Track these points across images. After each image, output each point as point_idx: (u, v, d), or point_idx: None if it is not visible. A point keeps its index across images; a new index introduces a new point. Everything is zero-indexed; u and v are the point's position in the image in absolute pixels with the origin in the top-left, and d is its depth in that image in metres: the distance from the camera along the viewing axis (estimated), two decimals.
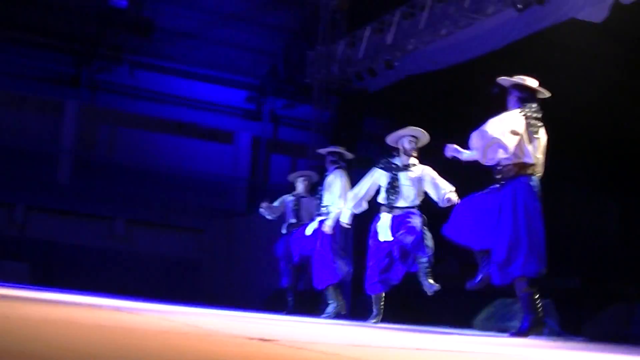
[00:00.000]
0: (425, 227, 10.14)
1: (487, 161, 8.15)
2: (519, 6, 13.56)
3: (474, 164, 8.30)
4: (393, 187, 10.37)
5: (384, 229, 10.32)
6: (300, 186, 13.25)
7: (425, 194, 10.46)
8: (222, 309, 11.85)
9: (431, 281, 9.91)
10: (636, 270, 14.70)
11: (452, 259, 16.97)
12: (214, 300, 17.45)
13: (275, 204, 13.47)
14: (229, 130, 24.80)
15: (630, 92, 15.12)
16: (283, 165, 24.16)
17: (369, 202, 11.00)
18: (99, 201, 22.13)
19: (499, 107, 8.66)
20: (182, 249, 22.45)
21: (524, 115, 8.20)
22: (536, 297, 8.07)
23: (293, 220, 13.05)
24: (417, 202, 10.45)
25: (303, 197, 13.13)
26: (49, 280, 19.32)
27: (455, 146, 8.30)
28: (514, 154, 8.12)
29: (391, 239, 10.27)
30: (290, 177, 13.60)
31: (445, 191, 10.21)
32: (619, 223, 18.77)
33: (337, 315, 11.49)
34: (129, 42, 22.69)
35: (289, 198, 13.36)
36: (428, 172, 10.44)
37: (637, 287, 14.17)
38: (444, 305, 12.39)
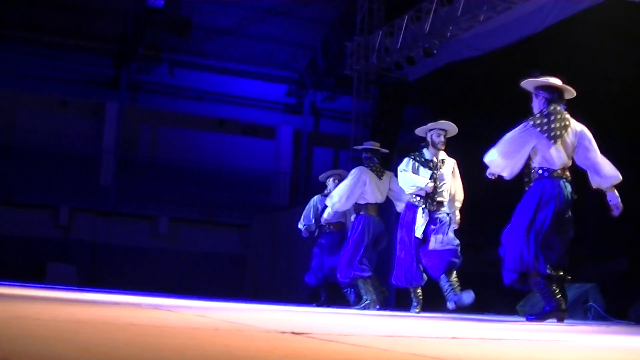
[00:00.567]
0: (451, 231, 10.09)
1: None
2: None
3: None
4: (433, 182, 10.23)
5: (420, 225, 10.17)
6: (332, 185, 13.11)
7: None
8: (266, 304, 11.79)
9: (456, 293, 9.81)
10: None
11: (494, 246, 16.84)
12: (259, 295, 17.44)
13: (309, 215, 13.43)
14: (270, 125, 24.80)
15: None
16: (325, 158, 24.12)
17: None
18: (142, 201, 22.23)
19: (529, 95, 8.53)
20: (226, 245, 22.46)
21: (535, 125, 8.00)
22: (551, 287, 7.91)
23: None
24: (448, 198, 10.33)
25: None
26: (95, 281, 19.47)
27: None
28: (537, 161, 8.07)
29: (421, 236, 10.16)
30: (321, 177, 13.48)
31: (453, 208, 10.24)
32: None
33: (372, 308, 11.35)
34: (167, 41, 22.77)
35: (317, 199, 13.33)
36: (455, 168, 10.37)
37: None
38: (487, 293, 12.21)
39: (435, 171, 10.21)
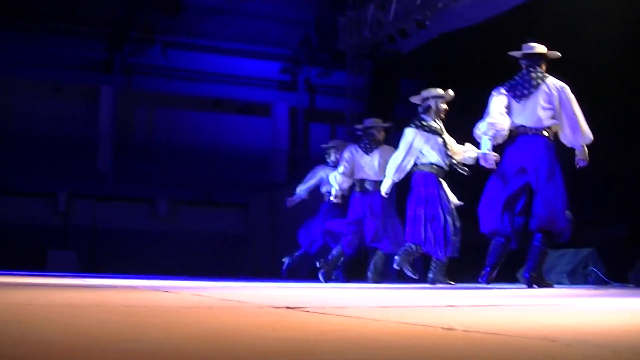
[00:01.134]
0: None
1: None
2: None
3: None
4: (447, 149, 10.22)
5: (450, 194, 10.26)
6: (334, 156, 13.21)
7: None
8: (267, 282, 11.79)
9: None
10: None
11: None
12: (261, 274, 17.44)
13: (312, 182, 13.53)
14: (265, 103, 24.72)
15: None
16: (322, 134, 24.00)
17: None
18: (140, 183, 22.18)
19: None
20: (226, 225, 22.43)
21: (504, 89, 8.74)
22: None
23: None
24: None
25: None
26: (96, 267, 19.46)
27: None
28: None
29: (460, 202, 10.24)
30: (324, 147, 13.57)
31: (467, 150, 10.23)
32: None
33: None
34: (159, 22, 22.66)
35: (323, 170, 13.39)
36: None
37: None
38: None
39: (441, 135, 10.22)
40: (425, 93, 10.38)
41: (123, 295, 6.19)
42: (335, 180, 12.35)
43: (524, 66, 8.80)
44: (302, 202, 14.50)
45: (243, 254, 20.75)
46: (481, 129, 8.65)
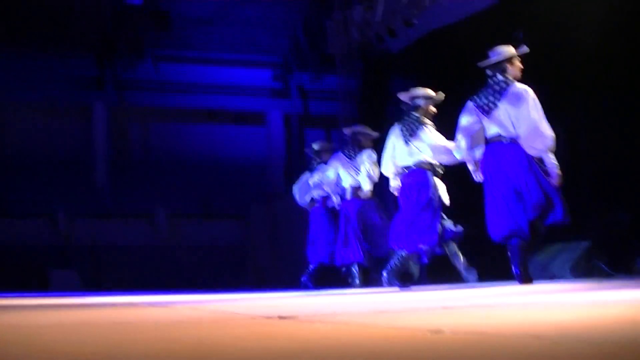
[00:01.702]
0: None
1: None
2: None
3: None
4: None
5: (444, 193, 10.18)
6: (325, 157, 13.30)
7: None
8: (268, 292, 11.75)
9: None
10: None
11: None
12: (262, 284, 17.41)
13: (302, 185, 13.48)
14: (259, 112, 24.67)
15: None
16: (318, 139, 23.92)
17: None
18: (138, 199, 22.13)
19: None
20: (226, 237, 22.34)
21: (473, 102, 8.84)
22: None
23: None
24: None
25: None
26: (99, 285, 19.41)
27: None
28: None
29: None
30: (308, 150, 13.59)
31: None
32: None
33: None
34: (149, 36, 22.64)
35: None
36: None
37: None
38: (489, 261, 12.13)
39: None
40: (415, 92, 10.31)
41: (117, 312, 6.15)
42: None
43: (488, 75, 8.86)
44: (300, 210, 14.43)
45: (244, 264, 20.71)
46: (456, 155, 8.96)
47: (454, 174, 10.01)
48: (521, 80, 8.88)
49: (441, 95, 10.30)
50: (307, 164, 14.15)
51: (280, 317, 4.21)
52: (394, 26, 16.88)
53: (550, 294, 5.98)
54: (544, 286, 7.77)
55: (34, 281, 19.27)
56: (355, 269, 12.18)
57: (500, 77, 8.71)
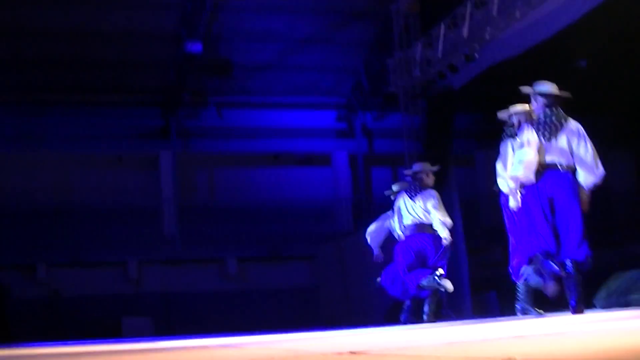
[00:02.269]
0: None
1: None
2: None
3: None
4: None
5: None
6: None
7: None
8: (340, 330, 11.69)
9: None
10: None
11: None
12: (334, 323, 17.34)
13: (378, 226, 13.25)
14: (324, 153, 24.77)
15: None
16: (384, 177, 23.94)
17: None
18: (207, 245, 22.29)
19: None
20: (296, 278, 22.39)
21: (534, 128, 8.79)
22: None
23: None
24: None
25: None
26: (172, 330, 19.50)
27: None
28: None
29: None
30: (387, 192, 13.35)
31: None
32: None
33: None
34: (211, 84, 22.94)
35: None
36: None
37: None
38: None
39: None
40: (513, 109, 10.07)
41: (189, 354, 6.16)
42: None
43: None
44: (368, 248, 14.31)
45: (315, 305, 20.69)
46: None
47: None
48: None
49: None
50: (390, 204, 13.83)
51: (352, 353, 4.18)
52: (455, 62, 16.85)
53: (624, 320, 5.87)
54: (618, 313, 7.64)
55: (106, 329, 19.44)
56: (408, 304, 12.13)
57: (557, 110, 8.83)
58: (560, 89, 8.92)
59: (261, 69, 22.73)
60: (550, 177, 8.57)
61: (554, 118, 8.69)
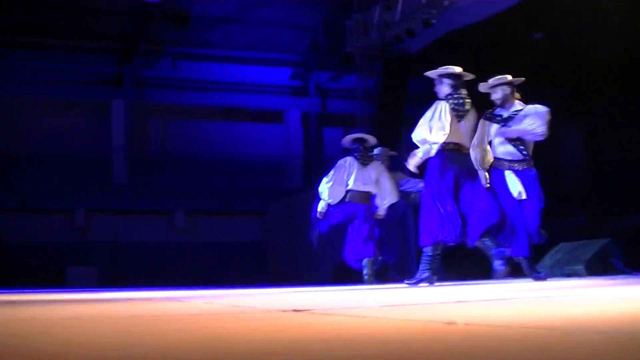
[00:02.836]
0: None
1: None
2: None
3: None
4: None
5: (515, 185, 9.41)
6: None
7: None
8: (287, 287, 11.76)
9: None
10: None
11: None
12: (281, 280, 17.40)
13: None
14: (278, 110, 24.75)
15: None
16: (335, 137, 23.93)
17: None
18: (157, 196, 22.20)
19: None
20: (244, 233, 22.39)
21: (451, 104, 8.95)
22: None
23: None
24: None
25: None
26: (117, 281, 19.44)
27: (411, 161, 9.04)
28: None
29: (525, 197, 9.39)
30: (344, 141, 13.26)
31: None
32: None
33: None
34: (168, 34, 22.72)
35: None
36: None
37: None
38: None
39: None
40: (493, 81, 9.66)
41: (134, 306, 6.17)
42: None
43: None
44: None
45: (263, 261, 20.73)
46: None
47: None
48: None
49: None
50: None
51: (295, 310, 4.22)
52: (413, 27, 16.88)
53: (564, 289, 5.98)
54: (558, 282, 7.78)
55: (50, 277, 19.34)
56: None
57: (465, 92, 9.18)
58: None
59: (219, 22, 22.57)
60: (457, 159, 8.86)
61: (461, 100, 8.91)
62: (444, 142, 8.75)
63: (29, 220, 20.86)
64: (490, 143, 9.12)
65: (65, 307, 6.34)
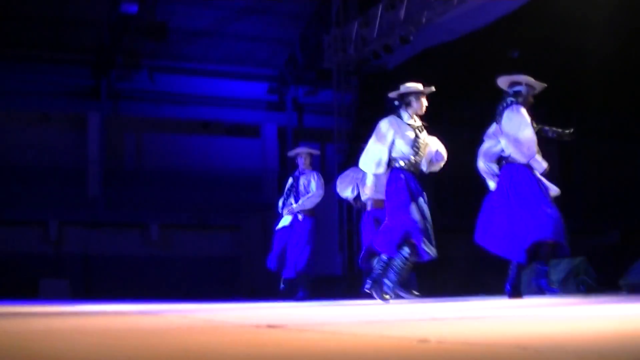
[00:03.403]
0: None
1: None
2: None
3: None
4: (416, 146, 9.51)
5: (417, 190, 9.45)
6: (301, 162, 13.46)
7: None
8: (261, 302, 11.75)
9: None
10: None
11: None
12: (256, 295, 17.39)
13: None
14: (254, 124, 24.73)
15: None
16: None
17: None
18: (131, 209, 22.13)
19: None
20: (219, 248, 22.37)
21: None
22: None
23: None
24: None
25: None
26: (90, 294, 19.37)
27: None
28: None
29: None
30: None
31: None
32: None
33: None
34: (145, 47, 22.66)
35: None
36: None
37: None
38: (475, 275, 12.16)
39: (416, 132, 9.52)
40: (404, 89, 9.75)
41: (107, 320, 6.15)
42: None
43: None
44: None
45: (237, 275, 20.70)
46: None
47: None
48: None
49: (432, 88, 9.69)
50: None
51: (270, 326, 4.22)
52: (391, 42, 16.93)
53: (538, 307, 6.01)
54: (532, 300, 7.80)
55: (23, 289, 19.18)
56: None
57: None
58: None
59: (197, 35, 22.57)
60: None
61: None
62: None
63: (3, 232, 20.73)
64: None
65: (38, 320, 6.31)
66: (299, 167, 13.39)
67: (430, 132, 9.73)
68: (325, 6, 20.49)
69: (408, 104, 9.56)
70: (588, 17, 14.30)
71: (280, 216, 13.35)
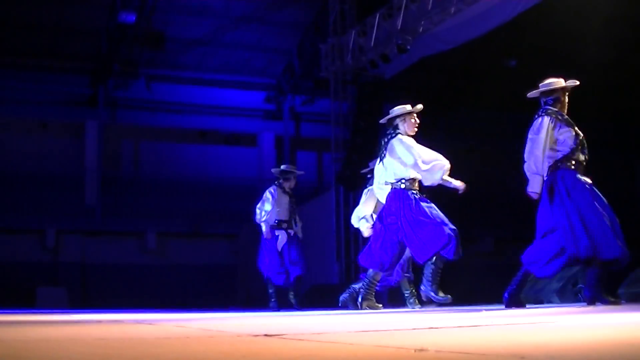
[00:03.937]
0: None
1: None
2: None
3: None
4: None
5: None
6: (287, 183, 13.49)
7: None
8: (258, 311, 11.73)
9: None
10: None
11: (487, 237, 16.76)
12: (253, 304, 17.37)
13: None
14: (251, 133, 24.74)
15: None
16: (309, 161, 24.02)
17: None
18: (128, 218, 22.12)
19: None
20: (216, 256, 22.36)
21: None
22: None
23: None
24: None
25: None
26: (87, 302, 19.34)
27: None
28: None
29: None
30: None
31: None
32: None
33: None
34: (143, 56, 22.68)
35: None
36: None
37: None
38: (479, 283, 12.15)
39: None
40: (393, 113, 9.78)
41: (104, 329, 6.13)
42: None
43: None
44: None
45: (234, 284, 20.68)
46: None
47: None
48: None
49: (419, 107, 9.70)
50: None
51: (267, 335, 4.21)
52: (388, 51, 16.95)
53: (536, 316, 6.00)
54: (530, 310, 7.79)
55: (20, 298, 19.15)
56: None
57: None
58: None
59: (194, 44, 22.59)
60: None
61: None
62: None
63: (0, 240, 20.71)
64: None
65: (34, 328, 6.29)
66: (291, 185, 13.45)
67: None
68: (323, 15, 20.51)
69: (396, 128, 9.57)
70: (584, 26, 14.32)
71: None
